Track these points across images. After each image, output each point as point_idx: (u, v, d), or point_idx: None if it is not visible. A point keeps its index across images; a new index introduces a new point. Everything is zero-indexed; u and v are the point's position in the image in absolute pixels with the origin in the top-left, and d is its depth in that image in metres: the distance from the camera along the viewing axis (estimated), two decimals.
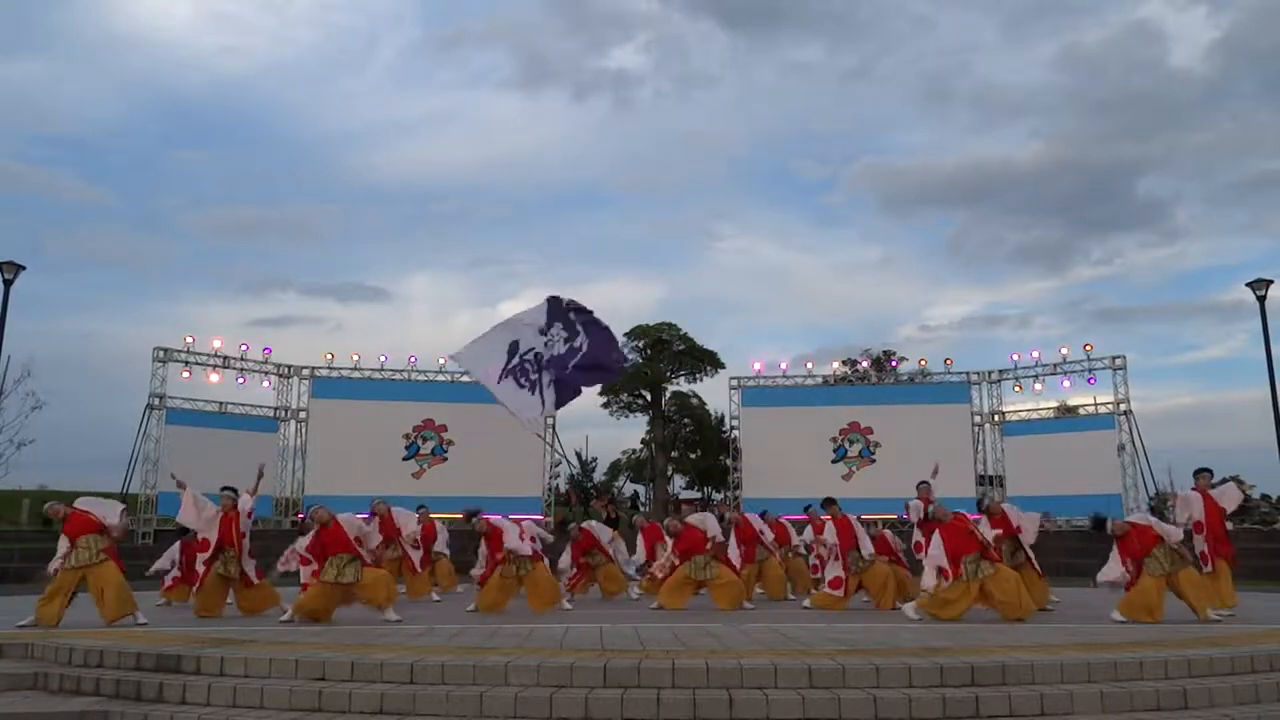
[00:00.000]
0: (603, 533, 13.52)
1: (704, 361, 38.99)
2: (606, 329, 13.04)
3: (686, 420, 40.85)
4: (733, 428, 27.57)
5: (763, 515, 13.48)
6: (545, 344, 12.68)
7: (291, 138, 71.47)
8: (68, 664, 6.82)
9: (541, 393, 12.64)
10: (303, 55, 70.74)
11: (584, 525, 13.59)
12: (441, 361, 25.69)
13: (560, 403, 13.07)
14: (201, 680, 6.06)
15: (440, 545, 14.28)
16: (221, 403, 24.15)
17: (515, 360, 12.55)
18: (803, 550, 13.78)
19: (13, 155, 60.95)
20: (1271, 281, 20.89)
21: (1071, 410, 26.93)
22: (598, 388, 40.05)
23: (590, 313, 13.01)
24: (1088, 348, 24.56)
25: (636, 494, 42.56)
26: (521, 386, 12.65)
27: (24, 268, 20.43)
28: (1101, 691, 5.64)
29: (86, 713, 5.89)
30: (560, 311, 12.81)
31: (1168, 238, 68.90)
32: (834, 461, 25.39)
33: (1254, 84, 65.37)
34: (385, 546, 12.19)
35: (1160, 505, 16.85)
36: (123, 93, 68.05)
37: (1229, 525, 10.75)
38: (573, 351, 12.72)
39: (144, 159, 69.62)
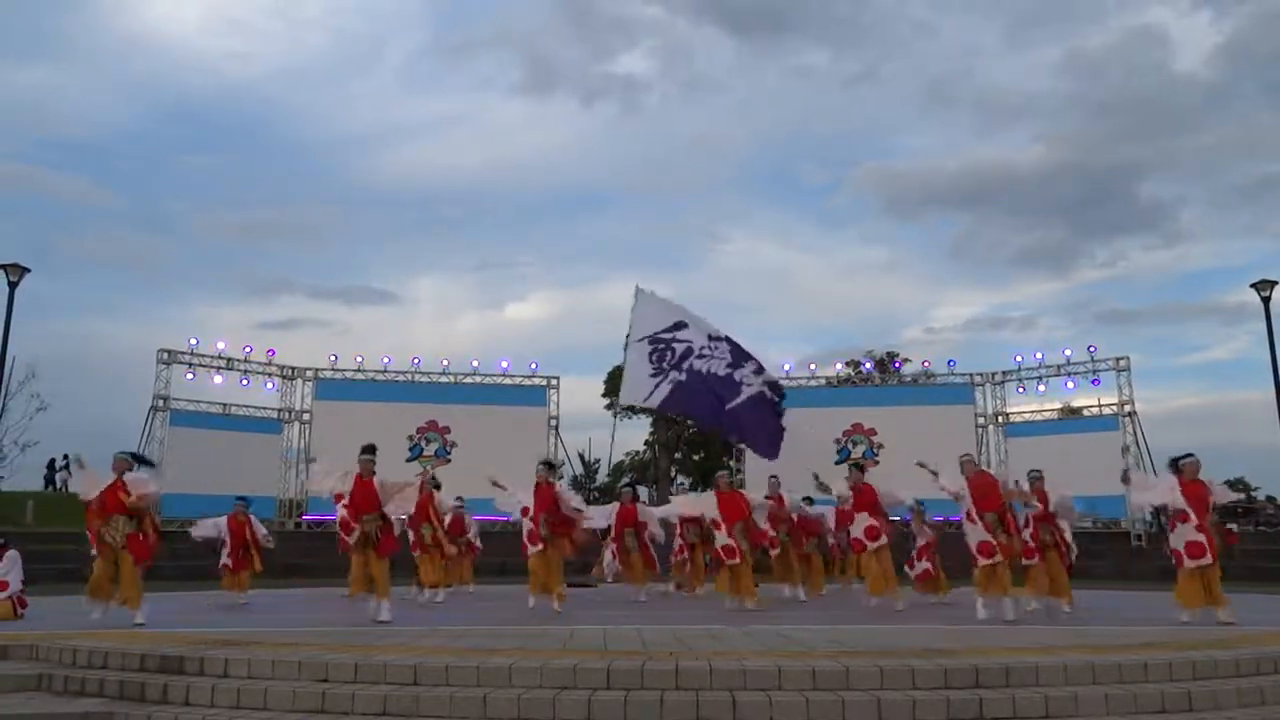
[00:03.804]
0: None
1: None
2: (775, 417, 12.86)
3: (690, 421, 40.82)
4: None
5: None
6: (702, 349, 12.46)
7: (299, 141, 71.70)
8: (72, 665, 6.83)
9: (660, 383, 12.46)
10: (311, 60, 71.00)
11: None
12: (444, 363, 25.80)
13: (669, 408, 12.93)
14: (205, 681, 6.07)
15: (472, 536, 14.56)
16: (225, 404, 24.18)
17: (668, 339, 12.29)
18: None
19: (22, 158, 61.20)
20: (1276, 283, 20.85)
21: (1075, 411, 26.91)
22: (601, 388, 40.14)
23: (766, 390, 12.92)
24: (1091, 349, 24.55)
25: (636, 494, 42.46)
26: (649, 364, 12.51)
27: (29, 270, 20.49)
28: (1106, 694, 5.62)
29: (90, 714, 5.90)
30: (740, 350, 12.62)
31: (1171, 240, 68.91)
32: (838, 463, 25.28)
33: (1257, 87, 65.39)
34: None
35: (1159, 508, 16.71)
36: (131, 97, 68.34)
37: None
38: (730, 385, 12.52)
39: (152, 162, 69.85)
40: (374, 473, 9.68)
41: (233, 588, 12.41)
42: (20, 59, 63.01)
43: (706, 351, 12.73)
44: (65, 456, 27.20)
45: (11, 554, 10.50)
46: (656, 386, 12.75)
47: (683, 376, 12.77)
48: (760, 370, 13.38)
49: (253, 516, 12.84)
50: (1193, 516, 9.24)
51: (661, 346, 12.62)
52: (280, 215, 70.43)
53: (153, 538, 9.45)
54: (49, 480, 28.33)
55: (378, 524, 9.49)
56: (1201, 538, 9.15)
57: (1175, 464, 9.65)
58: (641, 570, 12.93)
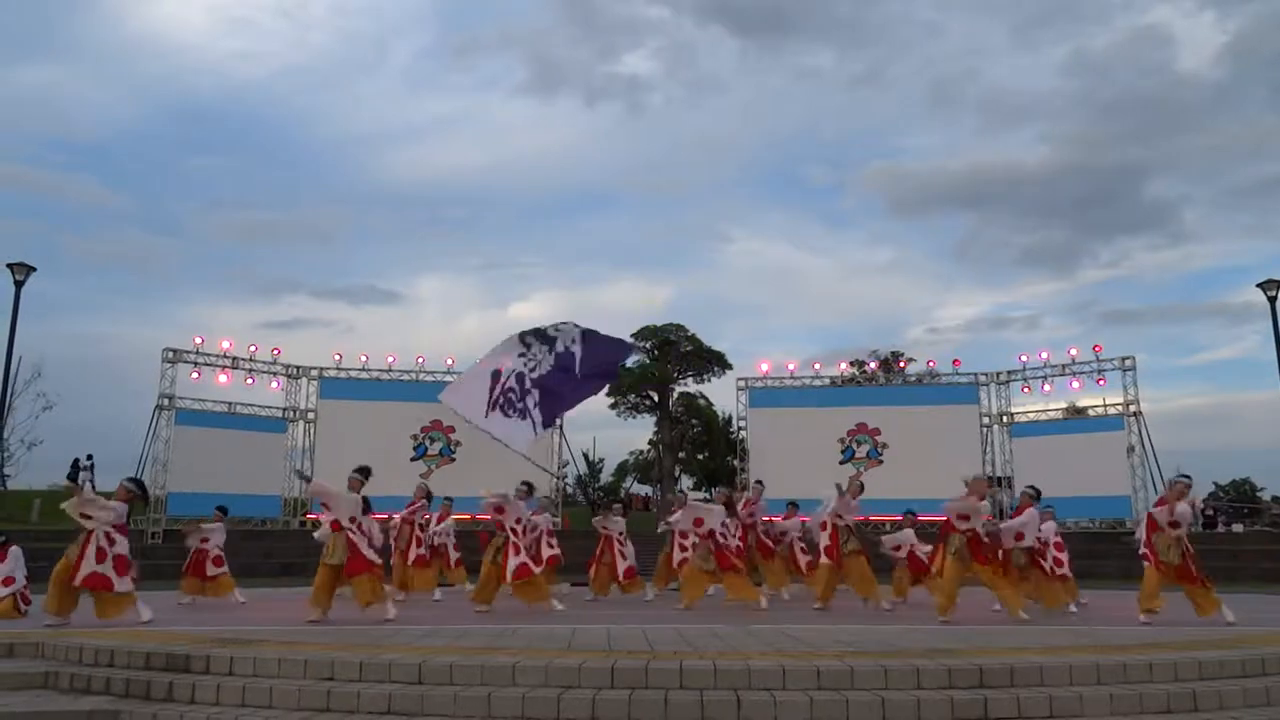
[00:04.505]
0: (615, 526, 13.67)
1: (712, 362, 38.92)
2: (601, 335, 13.30)
3: (694, 421, 40.83)
4: (740, 429, 27.55)
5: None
6: (526, 363, 12.85)
7: (305, 141, 72.03)
8: (78, 663, 6.85)
9: (530, 415, 12.80)
10: (316, 60, 71.33)
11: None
12: (449, 363, 25.80)
13: (550, 420, 13.20)
14: (210, 680, 6.08)
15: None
16: (230, 403, 24.22)
17: (499, 390, 12.75)
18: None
19: (31, 160, 61.51)
20: None
21: (1080, 411, 26.85)
22: (605, 389, 40.19)
23: (577, 328, 13.26)
24: (1096, 349, 24.46)
25: (647, 496, 42.55)
26: (509, 416, 12.82)
27: (34, 269, 20.60)
28: (1111, 694, 5.62)
29: (96, 712, 5.92)
30: (538, 333, 13.02)
31: (1175, 240, 68.94)
32: (842, 463, 25.30)
33: (1262, 88, 65.37)
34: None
35: None
36: (138, 97, 68.65)
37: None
38: (568, 357, 12.85)
39: (158, 163, 70.29)
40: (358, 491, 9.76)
41: (223, 592, 12.44)
42: (27, 59, 63.33)
43: (530, 362, 13.17)
44: (89, 456, 27.43)
45: (14, 550, 10.54)
46: (533, 422, 13.12)
47: (537, 394, 13.13)
48: (570, 330, 13.70)
49: (220, 526, 12.79)
50: (1142, 530, 9.83)
51: (503, 400, 13.05)
52: (285, 215, 70.78)
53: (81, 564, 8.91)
54: (72, 479, 28.49)
55: (343, 549, 9.40)
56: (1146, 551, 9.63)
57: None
58: (606, 581, 13.31)
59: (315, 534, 10.34)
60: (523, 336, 12.91)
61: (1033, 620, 9.45)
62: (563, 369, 12.74)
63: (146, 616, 8.95)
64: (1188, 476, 9.86)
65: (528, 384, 12.88)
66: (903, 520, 13.69)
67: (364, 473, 9.95)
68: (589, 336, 12.97)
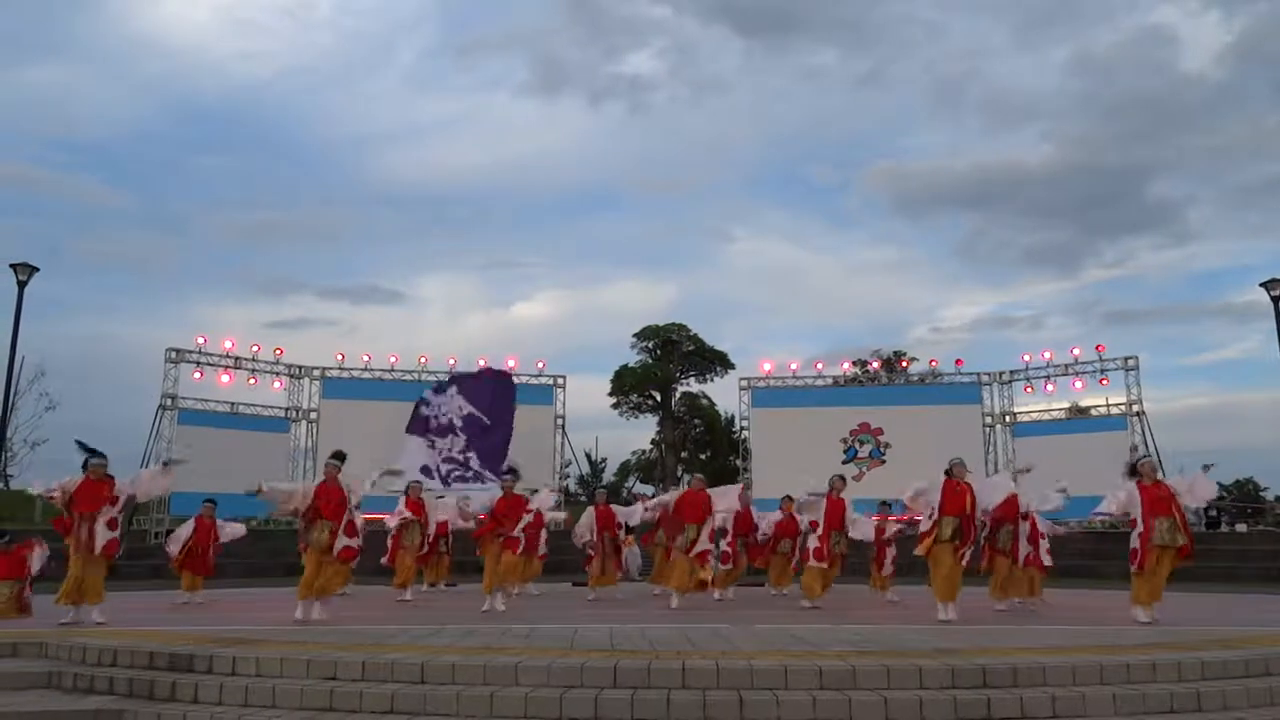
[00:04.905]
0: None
1: (714, 362, 38.92)
2: (470, 376, 13.76)
3: (696, 421, 40.81)
4: (743, 428, 27.54)
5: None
6: (448, 449, 13.30)
7: (309, 141, 72.02)
8: (81, 663, 6.86)
9: (482, 475, 13.18)
10: (321, 60, 71.30)
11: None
12: (451, 363, 25.77)
13: (496, 468, 13.62)
14: (214, 679, 6.09)
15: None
16: (233, 403, 24.23)
17: (438, 478, 13.17)
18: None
19: (33, 160, 61.53)
20: None
21: (1083, 411, 26.79)
22: (608, 387, 40.20)
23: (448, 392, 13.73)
24: (1099, 348, 24.42)
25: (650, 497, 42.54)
26: (467, 483, 13.18)
27: (37, 269, 20.58)
28: (1114, 694, 5.61)
29: (100, 711, 5.93)
30: (423, 427, 13.49)
31: (1180, 239, 68.79)
32: (844, 462, 25.25)
33: (1266, 87, 65.20)
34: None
35: None
36: (142, 97, 68.66)
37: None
38: (473, 419, 13.35)
39: (163, 163, 70.30)
40: (337, 480, 9.74)
41: (190, 588, 12.56)
42: (31, 59, 63.39)
43: (447, 444, 13.79)
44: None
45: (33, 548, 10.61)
46: (482, 479, 13.59)
47: (474, 460, 13.67)
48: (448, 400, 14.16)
49: (218, 520, 12.97)
50: (1139, 522, 9.15)
51: (452, 480, 13.60)
52: (289, 215, 70.81)
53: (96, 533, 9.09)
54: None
55: (328, 529, 9.41)
56: (1138, 545, 9.11)
57: (1133, 468, 9.52)
58: (612, 573, 13.37)
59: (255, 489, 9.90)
60: (428, 440, 13.35)
61: (1034, 620, 9.46)
62: (477, 429, 13.22)
63: (97, 618, 8.89)
64: (1145, 454, 9.82)
65: (461, 465, 13.26)
66: (883, 518, 13.65)
67: (340, 458, 9.95)
68: (464, 387, 13.31)
